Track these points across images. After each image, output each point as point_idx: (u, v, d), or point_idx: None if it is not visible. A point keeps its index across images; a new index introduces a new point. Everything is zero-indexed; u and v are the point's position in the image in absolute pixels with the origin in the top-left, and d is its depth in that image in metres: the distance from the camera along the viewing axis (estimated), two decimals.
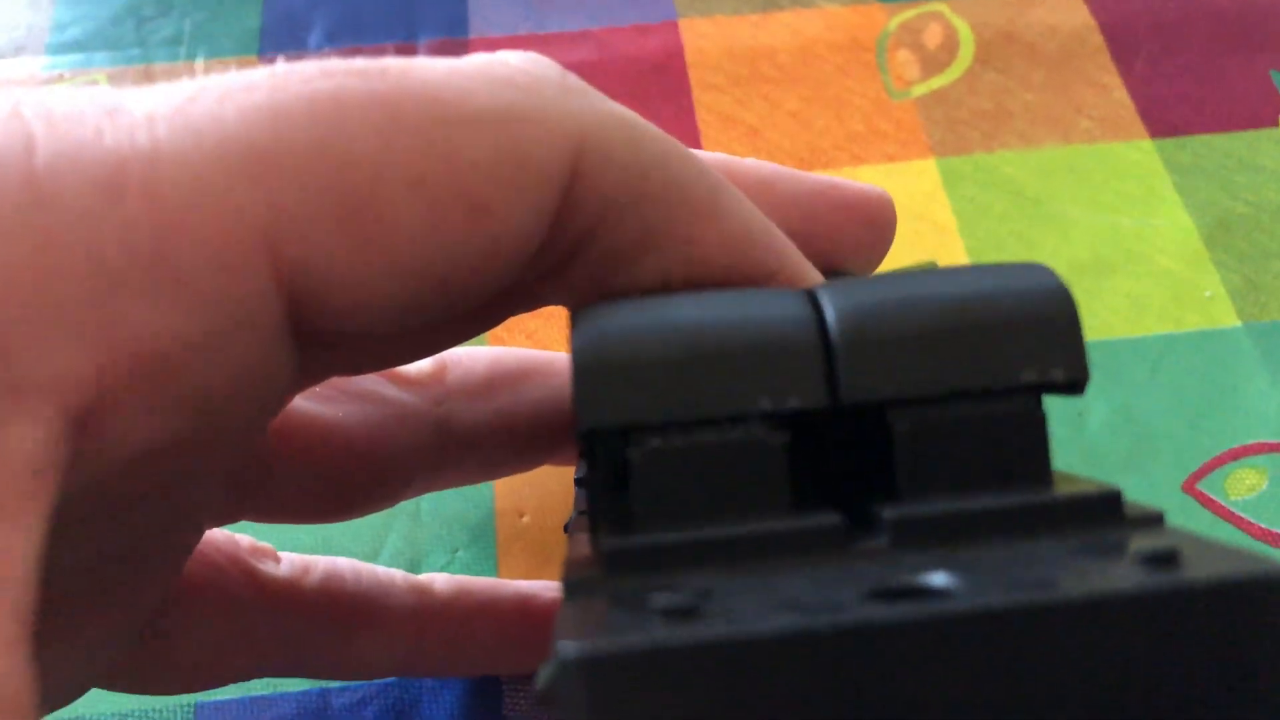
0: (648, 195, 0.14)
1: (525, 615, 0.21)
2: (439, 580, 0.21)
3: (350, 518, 0.20)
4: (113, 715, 0.22)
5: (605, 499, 0.14)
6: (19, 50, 0.34)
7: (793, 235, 0.17)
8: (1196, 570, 0.10)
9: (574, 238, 0.14)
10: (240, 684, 0.23)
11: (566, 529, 0.20)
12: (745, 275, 0.14)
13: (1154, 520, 0.12)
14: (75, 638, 0.15)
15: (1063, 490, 0.12)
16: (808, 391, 0.13)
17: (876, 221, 0.18)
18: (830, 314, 0.13)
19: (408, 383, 0.19)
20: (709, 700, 0.09)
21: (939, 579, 0.10)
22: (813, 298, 0.13)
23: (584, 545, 0.13)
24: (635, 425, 0.12)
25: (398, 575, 0.21)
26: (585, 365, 0.12)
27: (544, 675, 0.09)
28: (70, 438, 0.11)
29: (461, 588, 0.21)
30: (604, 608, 0.11)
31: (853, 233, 0.18)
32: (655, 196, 0.14)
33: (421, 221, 0.12)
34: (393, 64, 0.13)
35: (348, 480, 0.18)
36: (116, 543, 0.14)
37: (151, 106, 0.12)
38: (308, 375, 0.15)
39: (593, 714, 0.09)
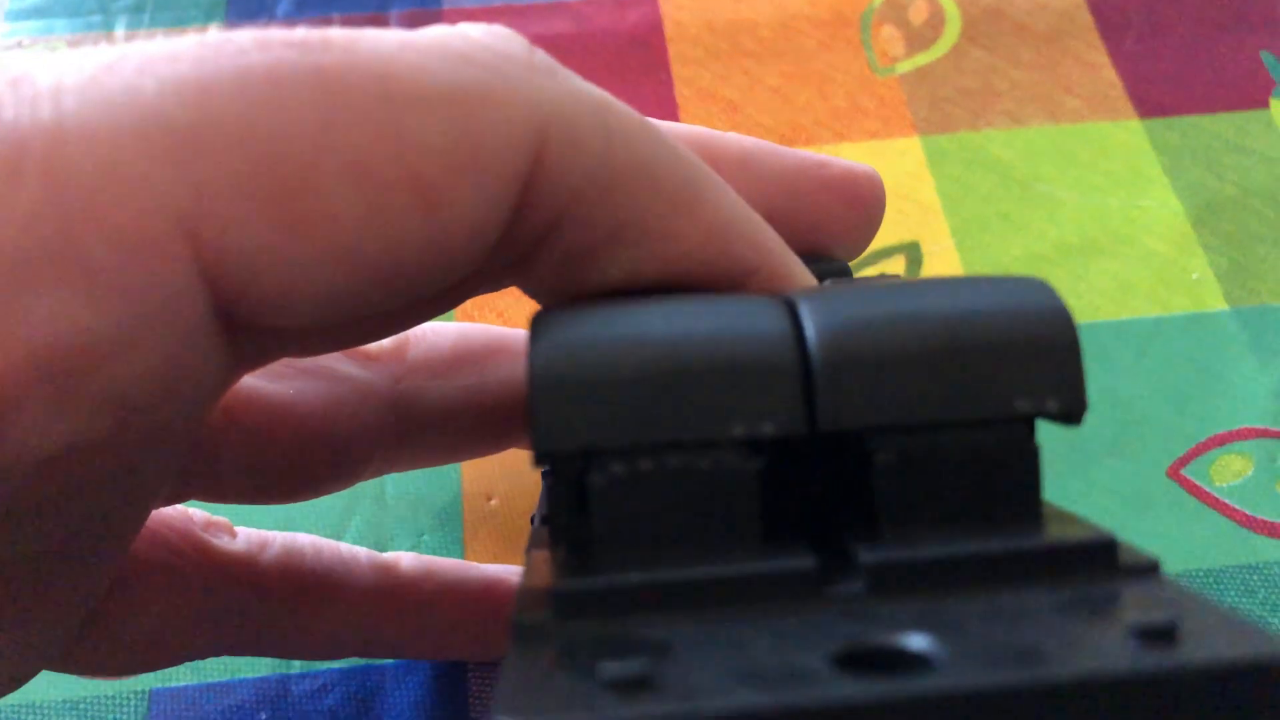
0: (619, 185, 0.13)
1: (492, 599, 0.21)
2: (404, 559, 0.21)
3: (304, 499, 0.19)
4: (64, 703, 0.22)
5: (565, 519, 0.13)
6: None
7: (775, 214, 0.16)
8: (1194, 649, 0.09)
9: (537, 229, 0.13)
10: (197, 671, 0.22)
11: (533, 519, 0.19)
12: (724, 271, 0.14)
13: (1149, 570, 0.11)
14: (13, 627, 0.14)
15: (1054, 534, 0.11)
16: (784, 417, 0.12)
17: (864, 202, 0.17)
18: (810, 331, 0.12)
19: (365, 358, 0.19)
20: None
21: (916, 641, 0.10)
22: (792, 311, 0.12)
23: (541, 569, 0.13)
24: (597, 449, 0.12)
25: (361, 553, 0.20)
26: (544, 383, 0.11)
27: None
28: None
29: (428, 568, 0.21)
30: (551, 666, 0.10)
31: (839, 214, 0.17)
32: (627, 187, 0.13)
33: (362, 209, 0.11)
34: (337, 36, 0.12)
35: (300, 460, 0.18)
36: (49, 536, 0.13)
37: (60, 75, 0.11)
38: (255, 358, 0.15)
39: None
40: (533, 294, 0.14)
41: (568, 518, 0.13)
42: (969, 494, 0.12)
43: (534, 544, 0.15)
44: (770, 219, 0.15)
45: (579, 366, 0.12)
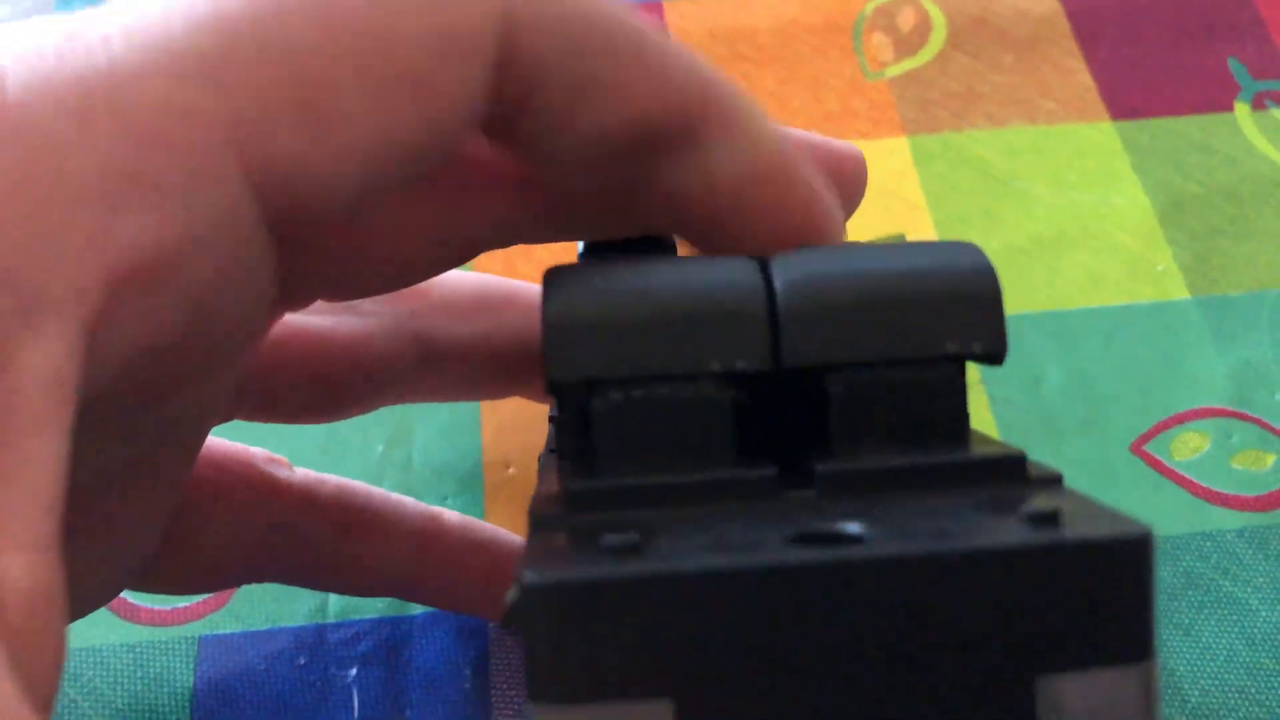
0: (575, 50, 0.14)
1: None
2: (448, 513, 0.23)
3: (332, 420, 0.21)
4: (122, 646, 0.24)
5: (571, 441, 0.15)
6: None
7: None
8: (1072, 530, 0.11)
9: (513, 101, 0.14)
10: (242, 620, 0.24)
11: (540, 459, 0.22)
12: (681, 117, 0.15)
13: (1053, 481, 0.13)
14: (99, 539, 0.16)
15: (975, 451, 0.14)
16: (754, 355, 0.14)
17: (849, 175, 0.19)
18: (778, 284, 0.14)
19: (392, 295, 0.21)
20: (645, 624, 0.11)
21: (853, 527, 0.12)
22: (764, 267, 0.15)
23: (552, 482, 0.15)
24: (598, 379, 0.14)
25: (409, 500, 0.22)
26: (555, 324, 0.14)
27: (510, 597, 0.11)
28: (83, 348, 0.12)
29: (468, 524, 0.23)
30: (563, 542, 0.12)
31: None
32: (582, 50, 0.14)
33: (370, 103, 0.13)
34: None
35: (331, 383, 0.20)
36: (129, 446, 0.15)
37: (105, 27, 0.13)
38: (293, 299, 0.17)
39: (548, 631, 0.11)
40: (530, 164, 0.16)
41: (575, 437, 0.15)
42: (907, 419, 0.14)
43: (544, 468, 0.17)
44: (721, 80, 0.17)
45: (584, 312, 0.14)
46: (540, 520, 0.13)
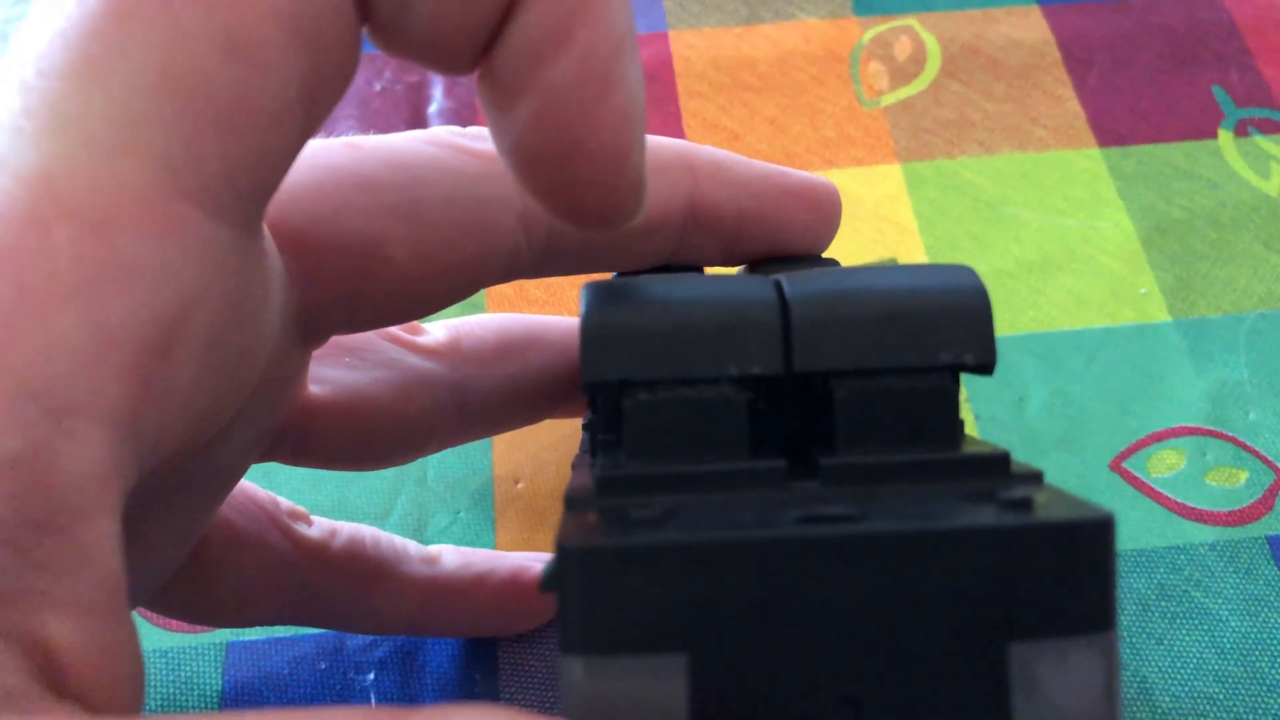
0: None
1: (517, 585, 0.24)
2: (446, 552, 0.24)
3: (375, 469, 0.22)
4: (154, 652, 0.25)
5: (603, 437, 0.17)
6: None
7: (745, 215, 0.19)
8: (1041, 514, 0.13)
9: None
10: (268, 627, 0.26)
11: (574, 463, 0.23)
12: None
13: (1034, 478, 0.15)
14: (137, 542, 0.17)
15: (964, 450, 0.15)
16: (767, 361, 0.15)
17: (822, 205, 0.20)
18: (790, 298, 0.16)
19: (428, 353, 0.22)
20: (665, 586, 0.12)
21: (850, 510, 0.13)
22: (778, 285, 0.16)
23: (584, 475, 0.16)
24: (628, 381, 0.15)
25: (411, 545, 0.24)
26: (591, 331, 0.15)
27: (547, 567, 0.13)
28: (121, 437, 0.12)
29: (465, 559, 0.24)
30: (595, 518, 0.14)
31: (799, 216, 0.20)
32: None
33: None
34: None
35: (377, 437, 0.21)
36: (165, 482, 0.16)
37: (6, 101, 0.12)
38: (314, 336, 0.18)
39: (580, 591, 0.12)
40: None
41: (605, 435, 0.17)
42: (904, 421, 0.16)
43: (576, 466, 0.19)
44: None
45: (617, 320, 0.15)
46: (573, 502, 0.14)
